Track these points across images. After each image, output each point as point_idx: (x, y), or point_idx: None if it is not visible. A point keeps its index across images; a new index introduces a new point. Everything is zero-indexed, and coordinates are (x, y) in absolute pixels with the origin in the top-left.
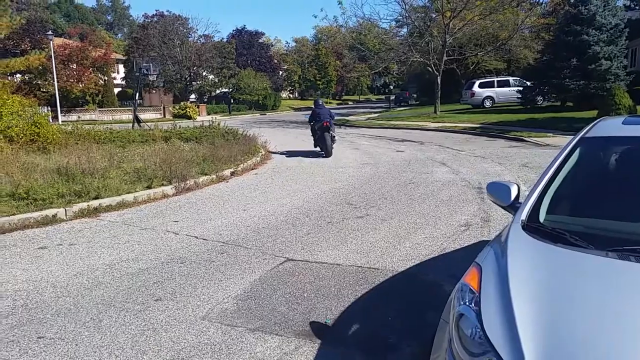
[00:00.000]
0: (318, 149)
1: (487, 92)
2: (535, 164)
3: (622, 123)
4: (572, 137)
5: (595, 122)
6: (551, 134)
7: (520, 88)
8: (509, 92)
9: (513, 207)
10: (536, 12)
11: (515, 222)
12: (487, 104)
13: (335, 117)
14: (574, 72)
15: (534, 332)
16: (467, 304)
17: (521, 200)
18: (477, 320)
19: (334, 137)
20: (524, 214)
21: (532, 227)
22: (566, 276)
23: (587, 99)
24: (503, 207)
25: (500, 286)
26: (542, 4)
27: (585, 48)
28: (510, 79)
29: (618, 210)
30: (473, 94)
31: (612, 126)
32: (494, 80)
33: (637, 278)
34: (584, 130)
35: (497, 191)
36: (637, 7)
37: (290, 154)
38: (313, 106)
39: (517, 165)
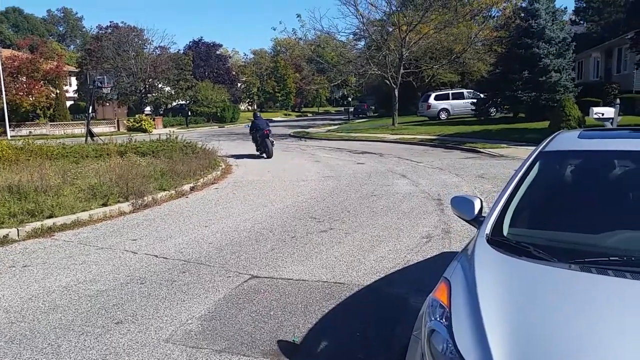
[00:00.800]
0: (258, 152)
1: (443, 104)
2: (490, 174)
3: (578, 137)
4: (532, 150)
5: (553, 136)
6: (505, 145)
7: (474, 100)
8: (463, 104)
9: (477, 220)
10: (489, 26)
11: (480, 236)
12: (443, 116)
13: (296, 130)
14: (525, 84)
15: (504, 345)
16: (438, 319)
17: (484, 213)
18: (448, 335)
19: (273, 142)
20: (488, 227)
21: (496, 240)
22: (532, 289)
23: (538, 110)
24: (467, 221)
25: (469, 301)
26: (494, 17)
27: (536, 60)
28: (465, 91)
29: (578, 223)
30: (429, 107)
31: (569, 140)
32: (449, 93)
33: (597, 289)
34: (542, 144)
35: (461, 205)
36: (581, 22)
37: (251, 167)
38: (253, 118)
39: (473, 176)
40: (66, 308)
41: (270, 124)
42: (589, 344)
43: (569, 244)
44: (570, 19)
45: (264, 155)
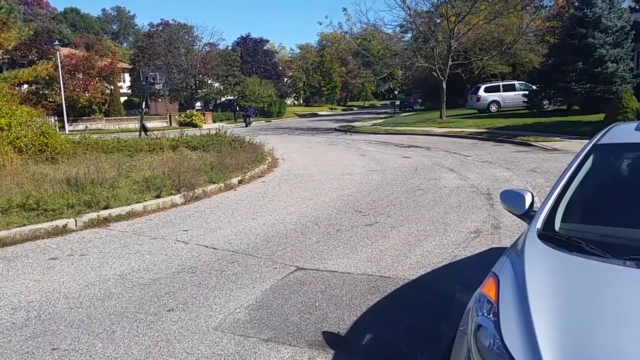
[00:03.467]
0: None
1: (493, 96)
2: (543, 169)
3: (635, 129)
4: (586, 143)
5: (608, 128)
6: (558, 138)
7: (526, 92)
8: (514, 96)
9: (527, 215)
10: (541, 16)
11: (530, 231)
12: (493, 108)
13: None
14: (580, 75)
15: (553, 342)
16: (485, 314)
17: (535, 208)
18: (495, 331)
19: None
20: (539, 222)
21: (547, 235)
22: (584, 286)
23: (593, 103)
24: (517, 215)
25: (518, 297)
26: (546, 7)
27: (591, 51)
28: (516, 83)
29: (633, 218)
30: (479, 99)
31: (625, 132)
32: (499, 85)
33: None
34: (597, 137)
35: (511, 199)
36: None
37: (297, 161)
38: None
39: (525, 170)
40: (120, 295)
41: (315, 118)
42: None
43: (623, 239)
44: (630, 7)
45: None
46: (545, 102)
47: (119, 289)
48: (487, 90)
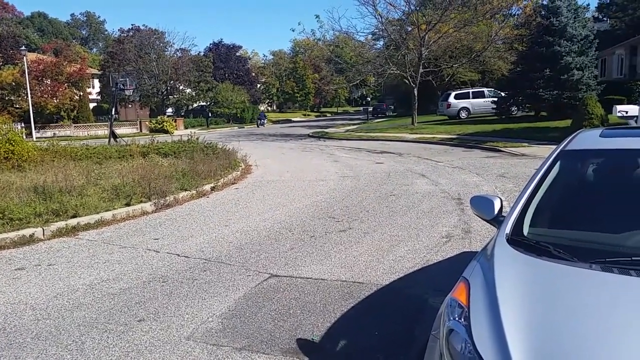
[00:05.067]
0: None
1: (463, 103)
2: (512, 174)
3: (600, 135)
4: (553, 150)
5: (574, 134)
6: (526, 144)
7: (495, 99)
8: (484, 103)
9: (497, 220)
10: (509, 24)
11: (500, 236)
12: (463, 114)
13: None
14: (547, 82)
15: (523, 345)
16: (457, 319)
17: (504, 213)
18: (467, 335)
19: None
20: (508, 227)
21: (516, 240)
22: (552, 289)
23: (560, 109)
24: (486, 221)
25: (488, 301)
26: (514, 15)
27: (558, 59)
28: (485, 90)
29: (599, 222)
30: (449, 105)
31: (590, 138)
32: (469, 92)
33: (620, 289)
34: (564, 143)
35: (481, 205)
36: (605, 19)
37: (270, 167)
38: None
39: (494, 175)
40: (90, 306)
41: (289, 125)
42: (609, 345)
43: (590, 243)
44: (593, 16)
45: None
46: (514, 108)
47: (88, 299)
48: (457, 97)
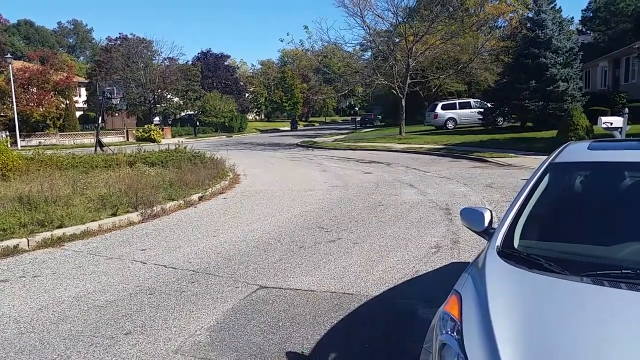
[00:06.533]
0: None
1: (450, 113)
2: (499, 184)
3: (588, 148)
4: (542, 162)
5: (563, 147)
6: (513, 154)
7: (481, 109)
8: (470, 114)
9: (487, 232)
10: (495, 36)
11: (490, 249)
12: (450, 125)
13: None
14: (532, 93)
15: (515, 358)
16: (449, 332)
17: (494, 225)
18: (459, 349)
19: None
20: (498, 240)
21: (507, 253)
22: (543, 302)
23: (545, 120)
24: (477, 233)
25: (480, 315)
26: (500, 28)
27: (543, 70)
28: (472, 100)
29: (589, 235)
30: (436, 116)
31: (578, 151)
32: (456, 102)
33: (611, 302)
34: (552, 156)
35: (471, 217)
36: (588, 32)
37: (259, 177)
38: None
39: (481, 185)
40: (75, 318)
41: (277, 134)
42: (602, 358)
43: (580, 256)
44: (577, 29)
45: None
46: (500, 119)
47: (73, 311)
48: (444, 107)
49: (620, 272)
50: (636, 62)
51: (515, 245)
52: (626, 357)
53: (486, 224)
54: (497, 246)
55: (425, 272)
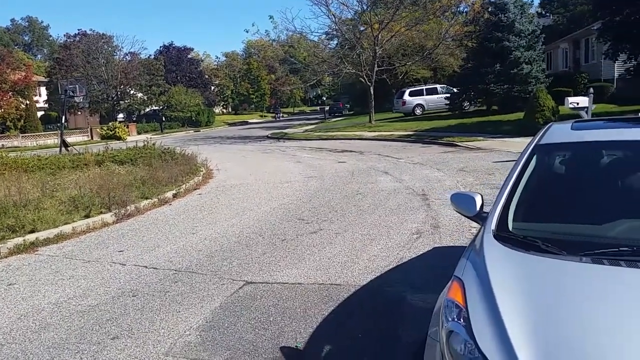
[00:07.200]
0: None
1: (417, 100)
2: (471, 167)
3: (571, 128)
4: (527, 144)
5: (546, 128)
6: (481, 138)
7: (448, 95)
8: (437, 99)
9: (479, 216)
10: (458, 21)
11: (486, 232)
12: (418, 111)
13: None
14: (497, 77)
15: (526, 340)
16: (455, 319)
17: (485, 209)
18: (467, 336)
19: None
20: (493, 223)
21: (503, 236)
22: (548, 284)
23: (511, 102)
24: (469, 217)
25: (485, 299)
26: (463, 12)
27: (507, 53)
28: (438, 86)
29: (580, 214)
30: (404, 103)
31: (562, 132)
32: (423, 89)
33: (613, 280)
34: (537, 138)
35: (462, 202)
36: (547, 14)
37: (232, 171)
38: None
39: (454, 170)
40: (58, 326)
41: (246, 126)
42: (614, 337)
43: (575, 235)
44: (537, 12)
45: None
46: (466, 103)
47: (55, 318)
48: (411, 94)
49: (617, 249)
50: (595, 43)
51: (510, 228)
52: (635, 331)
53: (478, 208)
54: (492, 230)
55: (409, 258)
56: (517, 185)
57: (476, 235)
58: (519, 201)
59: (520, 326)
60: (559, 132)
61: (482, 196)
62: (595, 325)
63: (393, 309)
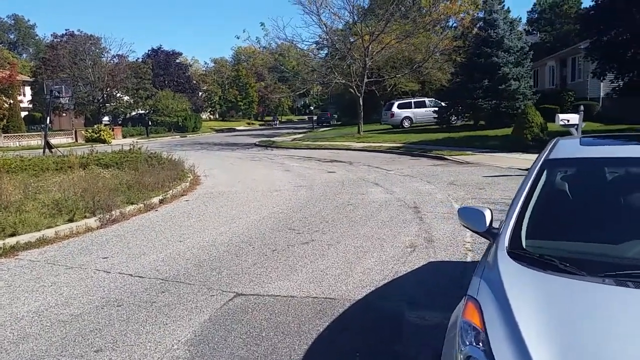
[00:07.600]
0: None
1: (406, 112)
2: (461, 181)
3: (580, 144)
4: (536, 159)
5: (553, 143)
6: (470, 152)
7: (436, 108)
8: (425, 113)
9: (490, 232)
10: (448, 36)
11: (500, 250)
12: (406, 124)
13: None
14: (485, 92)
15: None
16: (474, 344)
17: (494, 225)
18: None
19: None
20: (506, 240)
21: (517, 254)
22: (572, 307)
23: (498, 118)
24: (478, 233)
25: (505, 323)
26: (452, 27)
27: (496, 69)
28: (426, 99)
29: (595, 233)
30: (393, 115)
31: (571, 147)
32: (411, 102)
33: None
34: (546, 152)
35: (471, 217)
36: (535, 32)
37: (220, 178)
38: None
39: (444, 183)
40: (38, 336)
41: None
42: None
43: (592, 255)
44: (525, 29)
45: None
46: (454, 117)
47: (35, 328)
48: (400, 106)
49: None
50: (582, 62)
51: (524, 245)
52: None
53: (487, 223)
54: (506, 247)
55: (404, 272)
56: (528, 200)
57: (487, 252)
58: (530, 217)
59: (545, 352)
60: (568, 148)
61: (491, 211)
62: (627, 353)
63: (390, 325)
